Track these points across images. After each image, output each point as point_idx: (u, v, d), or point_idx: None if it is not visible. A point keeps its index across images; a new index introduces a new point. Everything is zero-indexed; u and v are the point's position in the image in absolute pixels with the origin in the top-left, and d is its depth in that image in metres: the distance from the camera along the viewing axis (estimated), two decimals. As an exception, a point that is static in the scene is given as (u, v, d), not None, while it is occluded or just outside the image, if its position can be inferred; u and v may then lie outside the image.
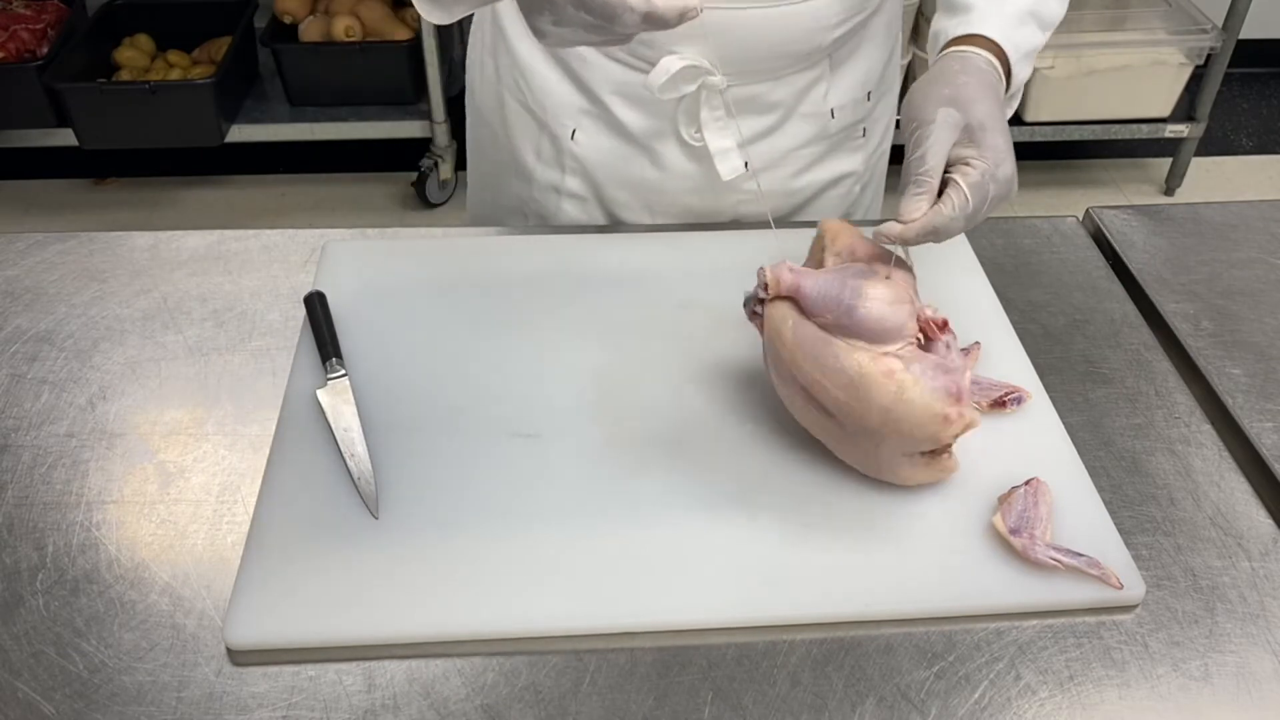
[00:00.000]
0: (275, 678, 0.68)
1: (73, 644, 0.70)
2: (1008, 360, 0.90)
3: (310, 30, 2.57)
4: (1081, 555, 0.73)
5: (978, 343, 0.90)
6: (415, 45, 2.50)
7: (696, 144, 1.01)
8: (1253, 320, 0.97)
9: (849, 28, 1.00)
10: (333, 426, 0.82)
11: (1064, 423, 0.85)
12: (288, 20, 2.58)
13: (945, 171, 0.77)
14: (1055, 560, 0.73)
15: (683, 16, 0.67)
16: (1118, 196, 2.83)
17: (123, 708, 0.66)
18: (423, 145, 2.64)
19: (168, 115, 2.44)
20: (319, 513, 0.77)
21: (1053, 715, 0.67)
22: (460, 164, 2.50)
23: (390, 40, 2.56)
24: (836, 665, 0.69)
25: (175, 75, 2.55)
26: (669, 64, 0.93)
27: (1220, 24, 2.58)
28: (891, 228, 0.76)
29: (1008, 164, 0.77)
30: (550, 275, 0.98)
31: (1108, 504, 0.79)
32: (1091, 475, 0.81)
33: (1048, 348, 0.94)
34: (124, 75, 2.55)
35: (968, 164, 0.76)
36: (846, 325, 0.74)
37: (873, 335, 0.73)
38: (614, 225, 1.10)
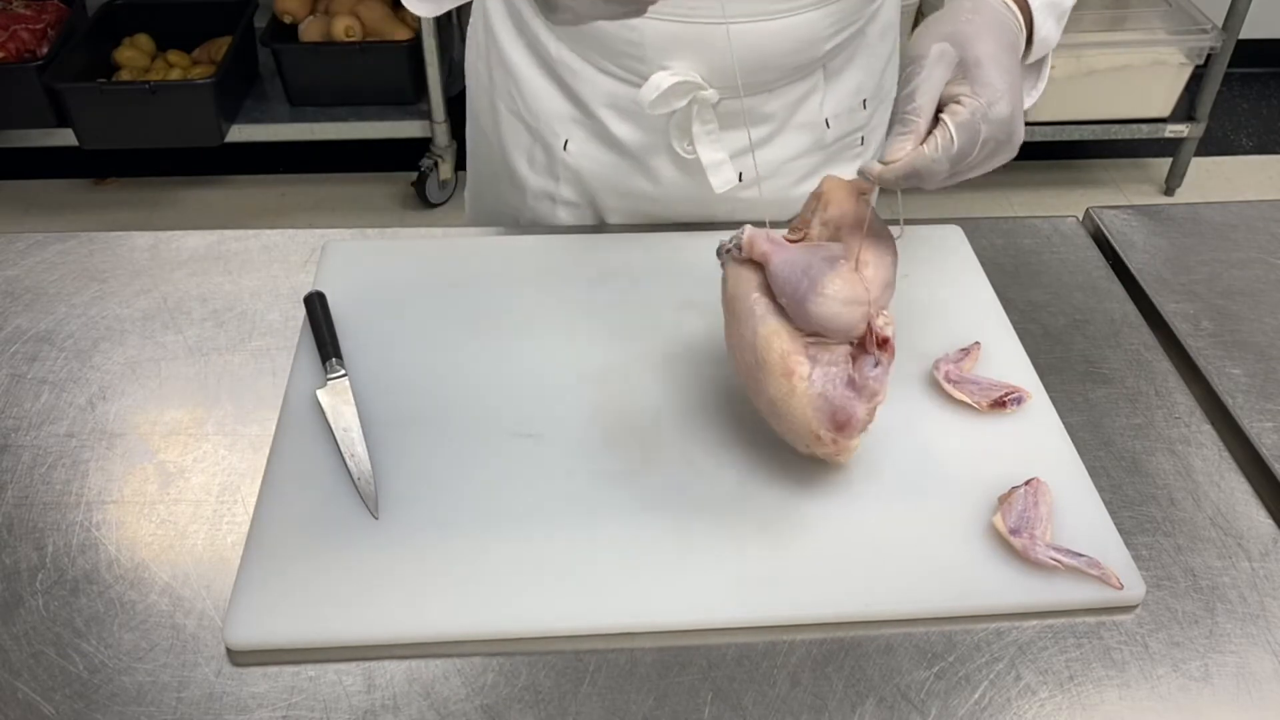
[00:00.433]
0: (275, 678, 0.68)
1: (73, 644, 0.70)
2: (1008, 360, 0.90)
3: (310, 30, 2.57)
4: (1081, 555, 0.73)
5: (978, 343, 0.90)
6: (415, 45, 2.50)
7: (689, 157, 1.00)
8: (1253, 320, 0.97)
9: (842, 39, 0.99)
10: (333, 426, 0.82)
11: (1064, 423, 0.85)
12: (288, 20, 2.58)
13: (937, 112, 0.71)
14: (1055, 560, 0.73)
15: None
16: (1118, 196, 2.83)
17: (123, 708, 0.66)
18: (423, 145, 2.64)
19: (168, 115, 2.44)
20: (319, 513, 0.76)
21: (1053, 715, 0.67)
22: (460, 164, 2.51)
23: (390, 40, 2.56)
24: (836, 665, 0.69)
25: (175, 75, 2.55)
26: (660, 80, 0.92)
27: (1220, 24, 2.58)
28: (872, 167, 0.71)
29: (1003, 104, 0.70)
30: (551, 275, 0.98)
31: (1108, 504, 0.79)
32: (1091, 475, 0.81)
33: (1048, 348, 0.94)
34: (124, 75, 2.55)
35: (958, 102, 0.71)
36: (799, 314, 0.72)
37: (812, 328, 0.72)
38: (615, 226, 1.10)
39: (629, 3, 0.65)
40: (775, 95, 1.00)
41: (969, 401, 0.85)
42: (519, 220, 1.14)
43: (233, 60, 2.51)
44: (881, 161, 0.71)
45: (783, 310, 0.73)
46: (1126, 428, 0.87)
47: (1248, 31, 2.60)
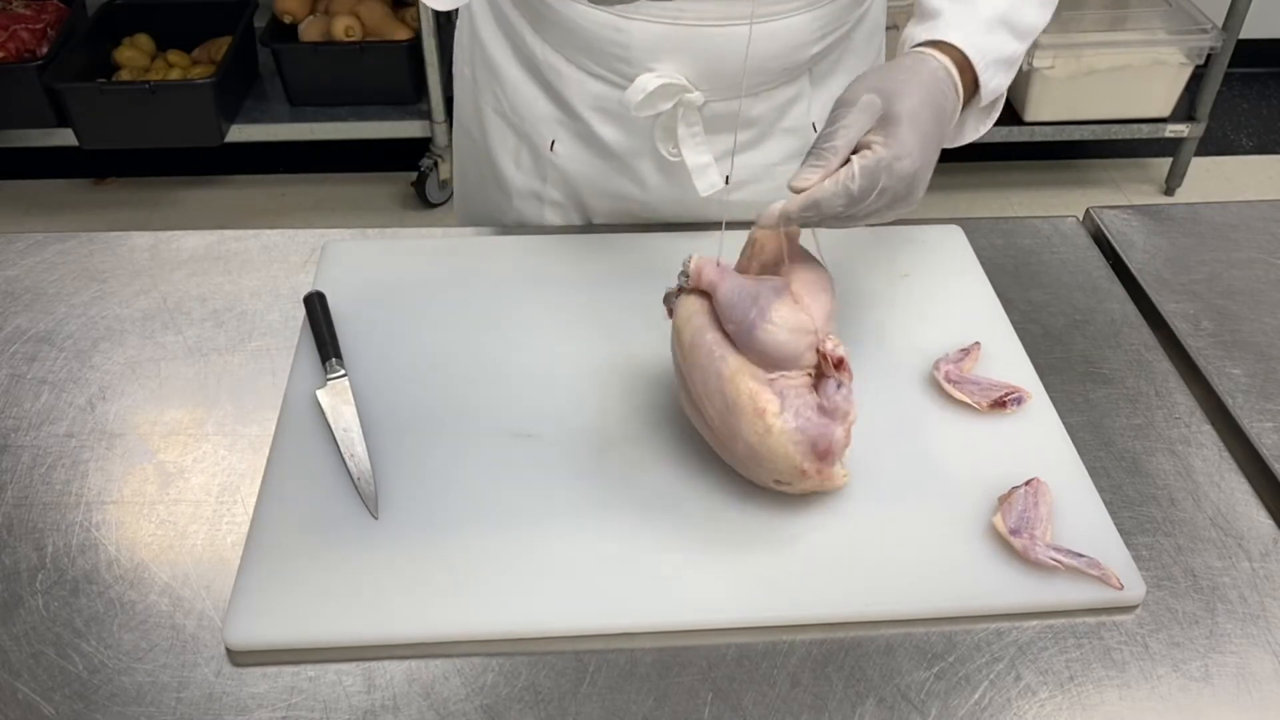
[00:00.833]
0: (275, 678, 0.68)
1: (72, 644, 0.70)
2: (1008, 360, 0.90)
3: (310, 30, 2.57)
4: (1081, 555, 0.73)
5: (978, 343, 0.90)
6: (415, 45, 2.50)
7: (674, 160, 1.00)
8: (1253, 320, 0.97)
9: (828, 43, 0.99)
10: (332, 426, 0.82)
11: (1064, 423, 0.85)
12: (288, 20, 2.58)
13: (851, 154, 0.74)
14: (1055, 560, 0.73)
15: None
16: (1118, 196, 2.83)
17: (122, 708, 0.66)
18: (423, 145, 2.64)
19: (168, 115, 2.44)
20: (319, 513, 0.76)
21: (1053, 716, 0.67)
22: (460, 164, 2.50)
23: (390, 40, 2.55)
24: (836, 665, 0.69)
25: (175, 75, 2.55)
26: (645, 81, 0.93)
27: (1220, 24, 2.58)
28: (771, 210, 0.74)
29: (909, 161, 0.73)
30: (551, 276, 0.98)
31: (1108, 504, 0.79)
32: (1091, 475, 0.81)
33: (1048, 348, 0.94)
34: (124, 75, 2.55)
35: (869, 148, 0.73)
36: (745, 342, 0.73)
37: (768, 359, 0.72)
38: (614, 226, 1.10)
39: None
40: (761, 99, 1.00)
41: (969, 401, 0.85)
42: (505, 221, 1.14)
43: (233, 60, 2.51)
44: (790, 187, 0.73)
45: (733, 344, 0.74)
46: (1126, 428, 0.87)
47: (1248, 31, 2.60)
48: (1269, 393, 0.89)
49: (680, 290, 0.78)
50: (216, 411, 0.86)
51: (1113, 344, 0.95)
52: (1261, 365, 0.92)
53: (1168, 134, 2.70)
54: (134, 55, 2.58)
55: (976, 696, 0.68)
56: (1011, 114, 2.64)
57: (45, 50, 2.46)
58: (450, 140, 2.60)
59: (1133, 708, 0.68)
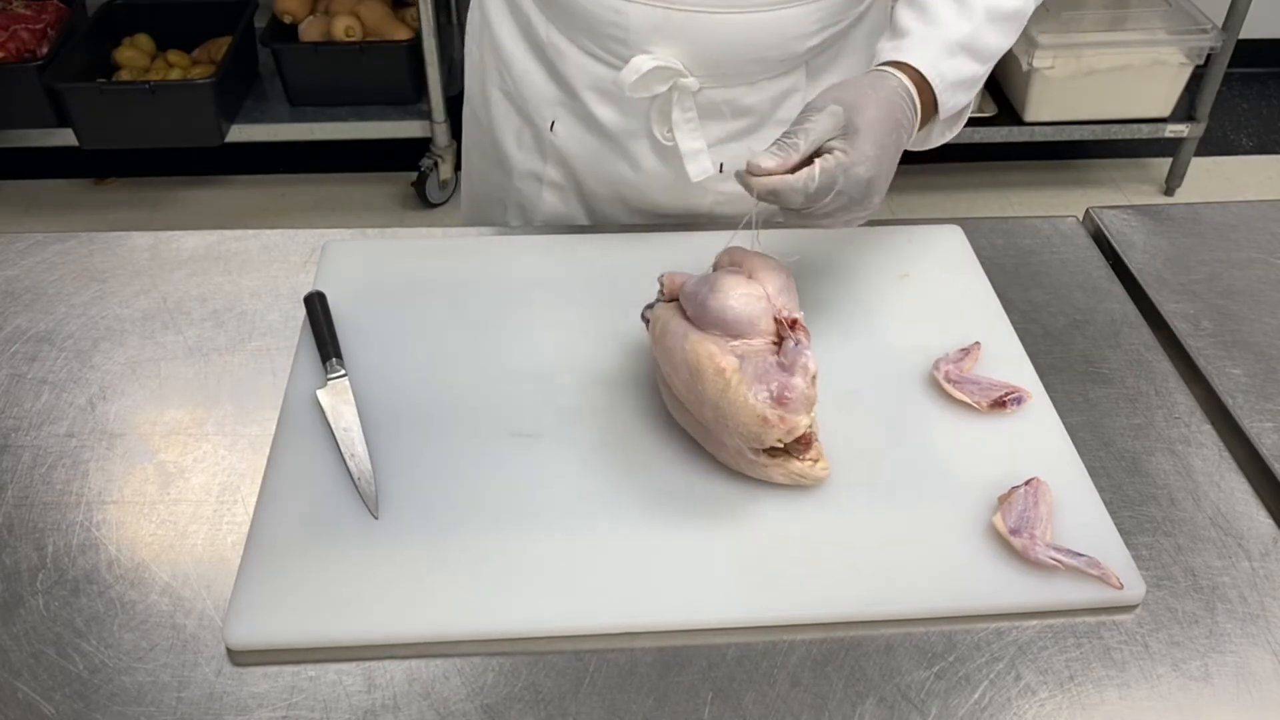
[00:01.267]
0: (275, 678, 0.68)
1: (73, 644, 0.70)
2: (1008, 360, 0.90)
3: (310, 30, 2.57)
4: (1081, 555, 0.73)
5: (978, 343, 0.90)
6: (415, 45, 2.50)
7: (669, 144, 1.02)
8: (1253, 320, 0.97)
9: (825, 38, 1.00)
10: (333, 426, 0.82)
11: (1064, 423, 0.85)
12: (288, 20, 2.58)
13: (814, 156, 0.79)
14: (1055, 560, 0.73)
15: None
16: (1118, 196, 2.83)
17: (123, 708, 0.66)
18: (423, 145, 2.64)
19: (168, 115, 2.44)
20: (319, 513, 0.77)
21: (1053, 715, 0.67)
22: (460, 164, 2.50)
23: (390, 40, 2.55)
24: (836, 665, 0.69)
25: (175, 75, 2.55)
26: (640, 63, 0.95)
27: (1220, 24, 2.58)
28: (748, 163, 0.78)
29: (865, 168, 0.78)
30: (551, 275, 0.98)
31: (1108, 504, 0.79)
32: (1091, 475, 0.81)
33: (1048, 348, 0.94)
34: (124, 75, 2.55)
35: (830, 152, 0.79)
36: (702, 316, 0.77)
37: (726, 327, 0.76)
38: (615, 226, 1.10)
39: None
40: (757, 88, 1.02)
41: (969, 401, 0.85)
42: (507, 205, 1.16)
43: (233, 60, 2.51)
44: (748, 165, 0.78)
45: (696, 325, 0.78)
46: (1126, 428, 0.87)
47: (1248, 31, 2.60)
48: (1269, 393, 0.89)
49: (657, 303, 0.83)
50: (217, 411, 0.86)
51: (1113, 344, 0.95)
52: (1261, 365, 0.92)
53: (1168, 134, 2.70)
54: (134, 55, 2.58)
55: (976, 696, 0.68)
56: (1011, 114, 2.64)
57: (45, 50, 2.46)
58: (450, 140, 2.61)
59: (1133, 707, 0.68)
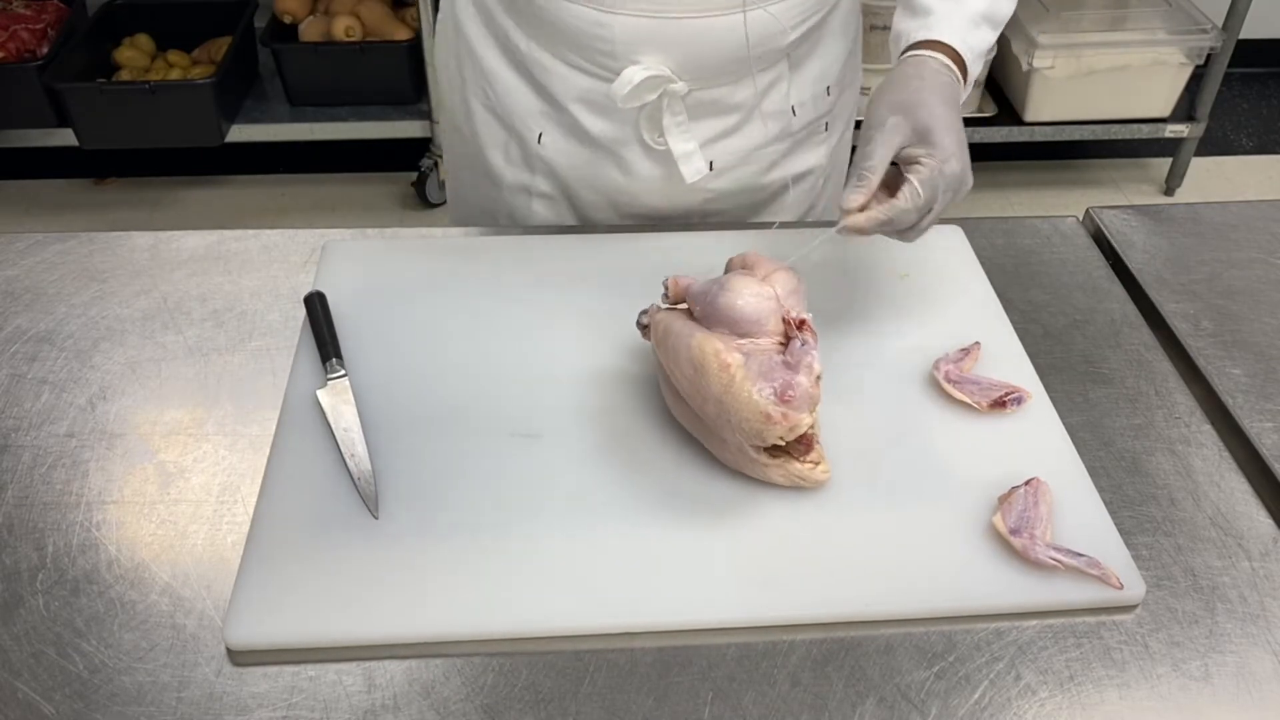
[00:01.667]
0: (275, 678, 0.68)
1: (73, 644, 0.70)
2: (1008, 360, 0.90)
3: (310, 30, 2.57)
4: (1081, 555, 0.73)
5: (978, 343, 0.90)
6: (415, 45, 2.50)
7: (660, 148, 1.02)
8: (1253, 320, 0.97)
9: (806, 29, 1.01)
10: (333, 426, 0.82)
11: (1064, 423, 0.85)
12: (288, 20, 2.58)
13: (902, 168, 0.82)
14: (1055, 560, 0.73)
15: None
16: (1118, 196, 2.83)
17: (123, 708, 0.66)
18: (423, 145, 2.64)
19: (168, 115, 2.44)
20: (319, 513, 0.77)
21: (1053, 715, 0.67)
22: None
23: (390, 40, 2.55)
24: (836, 665, 0.69)
25: (175, 75, 2.55)
26: (632, 74, 0.95)
27: (1220, 24, 2.58)
28: (854, 218, 0.80)
29: (955, 161, 0.81)
30: (551, 275, 0.98)
31: (1108, 504, 0.79)
32: (1091, 475, 0.81)
33: (1048, 348, 0.94)
34: (124, 75, 2.55)
35: (919, 162, 0.81)
36: (711, 314, 0.78)
37: (734, 325, 0.77)
38: (613, 226, 1.10)
39: None
40: (742, 85, 1.02)
41: (969, 401, 0.85)
42: (497, 217, 1.16)
43: (233, 60, 2.51)
44: (842, 209, 0.81)
45: (702, 324, 0.79)
46: (1126, 428, 0.87)
47: (1248, 31, 2.60)
48: (1269, 393, 0.89)
49: (659, 309, 0.83)
50: (217, 411, 0.86)
51: (1113, 344, 0.95)
52: (1261, 365, 0.92)
53: (1168, 134, 2.69)
54: (134, 55, 2.58)
55: (976, 696, 0.68)
56: (1011, 114, 2.64)
57: (45, 50, 2.46)
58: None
59: (1132, 707, 0.68)
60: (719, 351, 0.74)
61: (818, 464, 0.77)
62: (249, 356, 0.91)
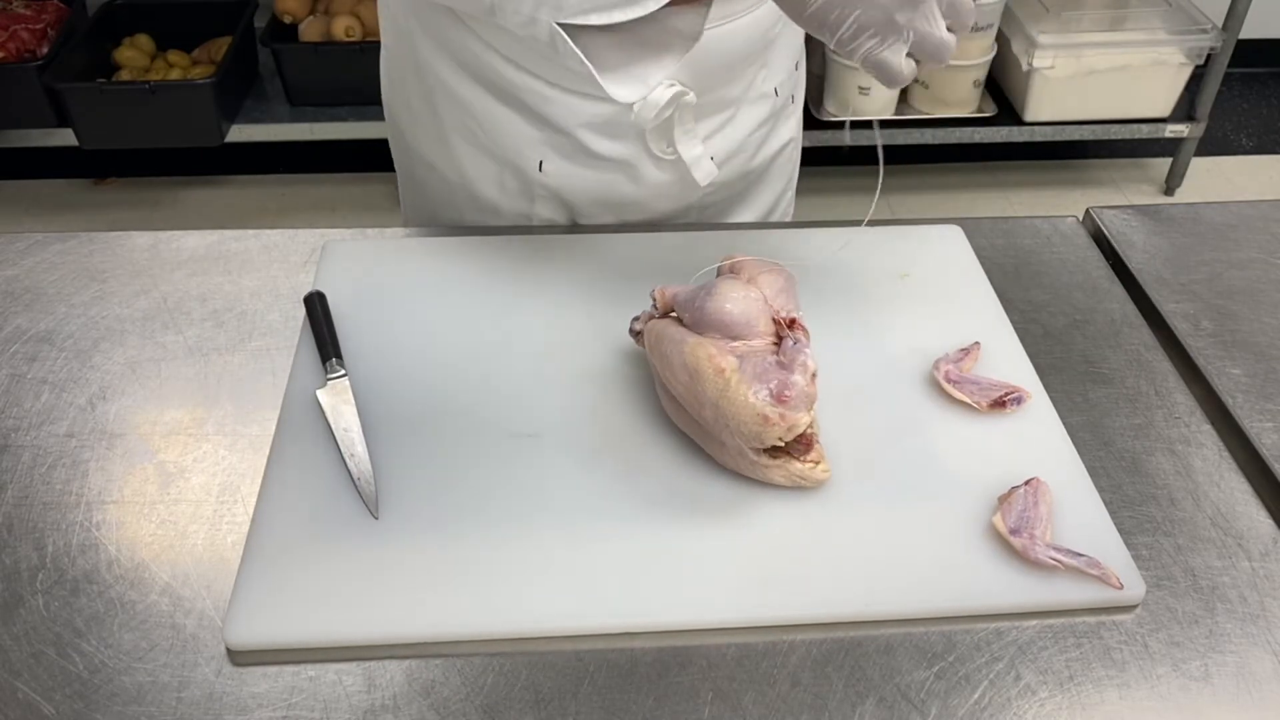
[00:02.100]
0: (275, 678, 0.68)
1: (73, 644, 0.70)
2: (1008, 360, 0.90)
3: (310, 30, 2.57)
4: (1081, 555, 0.73)
5: (978, 343, 0.90)
6: (415, 45, 2.50)
7: (670, 158, 1.03)
8: (1253, 320, 0.97)
9: (784, 21, 1.03)
10: (333, 426, 0.82)
11: (1064, 423, 0.85)
12: (288, 20, 2.58)
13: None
14: (1055, 560, 0.73)
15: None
16: (1118, 196, 2.83)
17: (123, 708, 0.66)
18: (423, 145, 2.64)
19: (168, 115, 2.44)
20: (319, 513, 0.77)
21: (1053, 715, 0.67)
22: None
23: (390, 40, 2.55)
24: (836, 665, 0.69)
25: (175, 75, 2.56)
26: (657, 97, 0.96)
27: (1220, 24, 2.58)
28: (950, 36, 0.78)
29: None
30: (551, 275, 0.98)
31: (1108, 504, 0.79)
32: (1091, 475, 0.81)
33: (1048, 348, 0.94)
34: (124, 75, 2.55)
35: None
36: (700, 321, 0.78)
37: (724, 329, 0.77)
38: (613, 226, 1.10)
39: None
40: (737, 81, 1.04)
41: (969, 401, 0.85)
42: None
43: (233, 60, 2.51)
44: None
45: (693, 330, 0.79)
46: (1126, 428, 0.87)
47: (1248, 31, 2.60)
48: (1269, 393, 0.89)
49: (650, 317, 0.83)
50: (216, 411, 0.86)
51: (1113, 344, 0.95)
52: (1261, 365, 0.92)
53: (1168, 134, 2.70)
54: (134, 55, 2.58)
55: (976, 696, 0.68)
56: (1011, 114, 2.64)
57: (45, 50, 2.47)
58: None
59: (1132, 707, 0.68)
60: (713, 356, 0.74)
61: (818, 463, 0.77)
62: (249, 356, 0.91)
